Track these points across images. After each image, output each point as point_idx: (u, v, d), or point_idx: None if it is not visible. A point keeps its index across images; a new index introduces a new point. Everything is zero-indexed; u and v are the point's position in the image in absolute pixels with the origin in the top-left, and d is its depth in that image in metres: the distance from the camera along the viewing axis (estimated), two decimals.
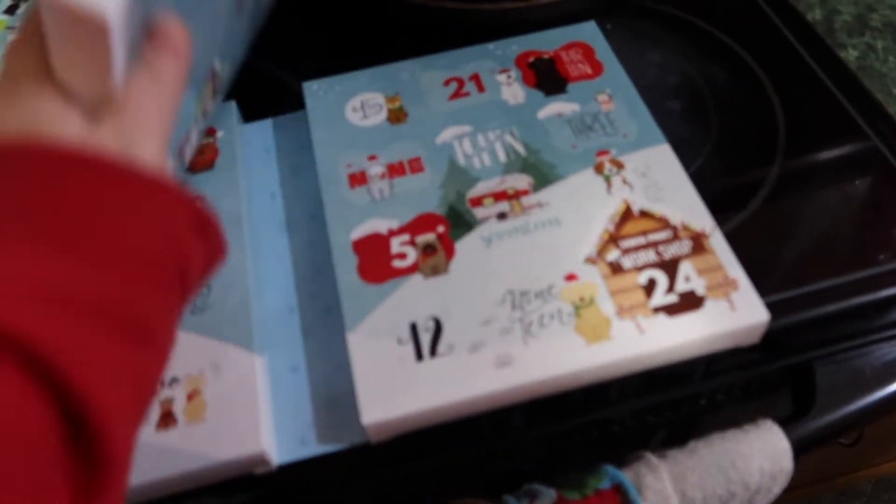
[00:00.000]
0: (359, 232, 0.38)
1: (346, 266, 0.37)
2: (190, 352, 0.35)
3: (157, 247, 0.22)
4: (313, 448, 0.34)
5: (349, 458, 0.34)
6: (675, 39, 0.50)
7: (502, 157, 0.40)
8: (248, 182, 0.42)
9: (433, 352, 0.34)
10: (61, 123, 0.22)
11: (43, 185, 0.21)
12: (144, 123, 0.23)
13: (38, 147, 0.21)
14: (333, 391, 0.35)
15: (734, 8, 0.51)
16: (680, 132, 0.42)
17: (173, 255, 0.23)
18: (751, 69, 0.47)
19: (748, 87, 0.46)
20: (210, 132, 0.43)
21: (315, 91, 0.45)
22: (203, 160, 0.42)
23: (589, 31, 0.46)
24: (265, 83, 0.49)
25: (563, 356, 0.33)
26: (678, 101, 0.46)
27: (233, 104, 0.44)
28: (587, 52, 0.45)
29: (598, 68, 0.44)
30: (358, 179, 0.40)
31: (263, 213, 0.42)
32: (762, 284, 0.35)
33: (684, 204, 0.38)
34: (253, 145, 0.45)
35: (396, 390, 0.33)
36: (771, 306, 0.35)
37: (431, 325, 0.34)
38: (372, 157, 0.41)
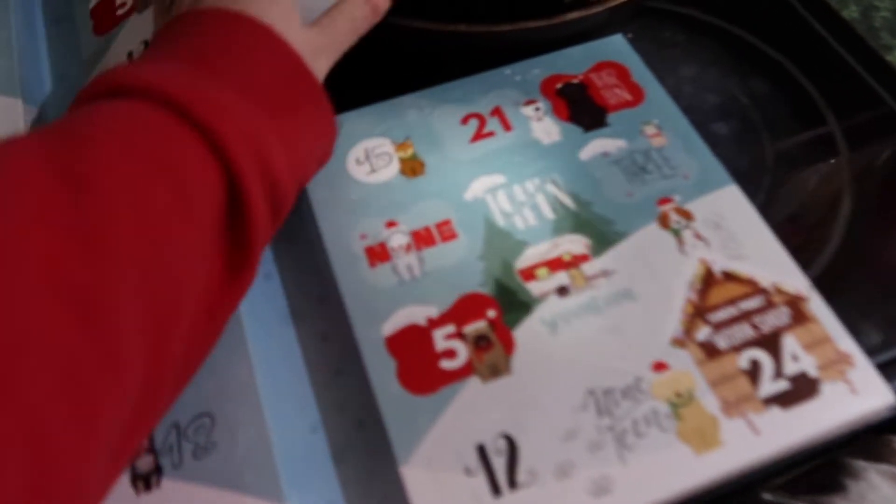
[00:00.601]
0: (391, 326, 0.31)
1: (382, 374, 0.30)
2: None
3: (321, 152, 0.32)
4: None
5: None
6: (705, 47, 0.44)
7: (548, 213, 0.34)
8: None
9: (512, 482, 0.27)
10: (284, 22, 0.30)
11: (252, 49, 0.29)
12: (331, 48, 0.32)
13: (252, 19, 0.29)
14: None
15: (762, 6, 0.45)
16: (734, 163, 0.36)
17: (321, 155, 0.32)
18: (794, 79, 0.42)
19: (796, 100, 0.41)
20: None
21: None
22: None
23: (618, 48, 0.40)
24: None
25: (670, 473, 0.27)
26: (724, 124, 0.40)
27: None
28: (621, 74, 0.39)
29: (637, 93, 0.38)
30: (378, 255, 0.33)
31: (261, 299, 0.34)
32: (864, 345, 0.30)
33: (770, 260, 0.32)
34: None
35: None
36: (880, 368, 0.30)
37: (503, 445, 0.28)
38: (391, 224, 0.34)
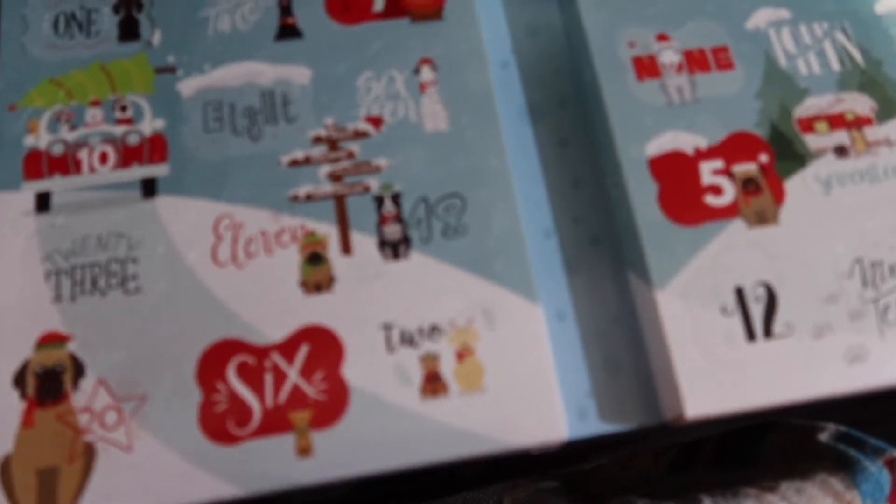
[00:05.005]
0: (655, 147, 0.29)
1: (643, 194, 0.28)
2: (451, 292, 0.27)
3: None
4: (595, 425, 0.27)
5: (637, 437, 0.28)
6: None
7: (834, 64, 0.31)
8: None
9: (767, 331, 0.27)
10: None
11: None
12: None
13: None
14: (612, 352, 0.28)
15: None
16: None
17: None
18: None
19: None
20: None
21: None
22: (424, 4, 0.31)
23: None
24: None
25: None
26: None
27: None
28: None
29: None
30: (647, 68, 0.30)
31: (496, 89, 0.31)
32: None
33: None
34: None
35: (725, 378, 0.26)
36: None
37: (763, 293, 0.27)
38: (662, 37, 0.31)
